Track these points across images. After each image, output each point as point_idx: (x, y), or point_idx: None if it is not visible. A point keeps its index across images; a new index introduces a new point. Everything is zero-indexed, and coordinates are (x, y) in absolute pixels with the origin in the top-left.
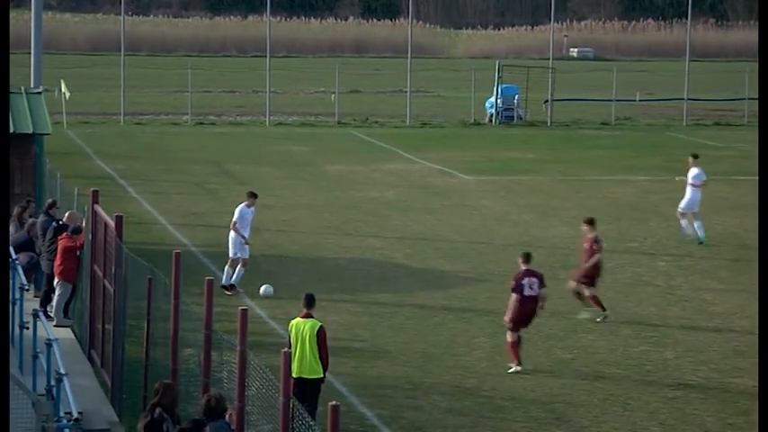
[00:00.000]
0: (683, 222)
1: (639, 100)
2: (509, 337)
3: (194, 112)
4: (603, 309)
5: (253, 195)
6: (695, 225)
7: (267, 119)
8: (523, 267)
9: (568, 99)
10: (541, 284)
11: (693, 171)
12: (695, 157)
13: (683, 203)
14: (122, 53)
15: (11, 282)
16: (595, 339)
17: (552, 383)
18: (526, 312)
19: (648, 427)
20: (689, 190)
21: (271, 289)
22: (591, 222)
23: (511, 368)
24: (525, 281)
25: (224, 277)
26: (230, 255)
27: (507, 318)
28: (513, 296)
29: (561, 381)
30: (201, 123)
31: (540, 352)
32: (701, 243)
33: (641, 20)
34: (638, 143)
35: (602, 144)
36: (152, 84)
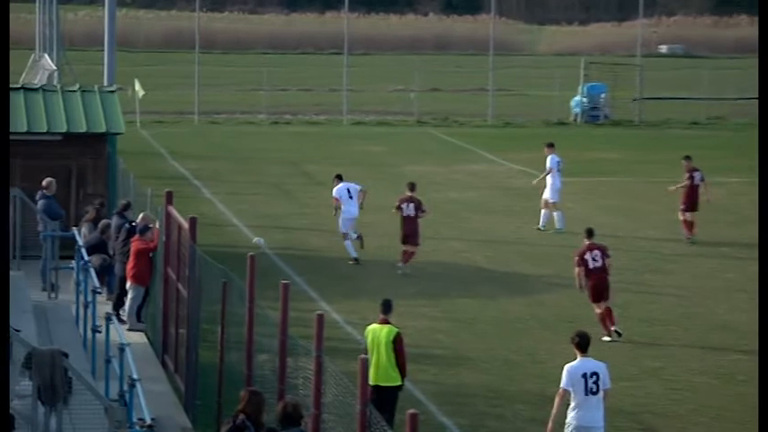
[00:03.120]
0: (556, 214)
1: (732, 98)
2: (596, 308)
3: (270, 111)
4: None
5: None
6: (555, 214)
7: (344, 118)
8: (586, 242)
9: (657, 98)
10: (605, 255)
11: (554, 159)
12: (551, 146)
13: (554, 194)
14: (197, 51)
15: (84, 285)
16: (685, 347)
17: (639, 393)
18: (595, 285)
19: None
20: (552, 179)
21: (262, 240)
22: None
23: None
24: (588, 255)
25: None
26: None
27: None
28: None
29: (648, 390)
30: (277, 122)
31: (626, 360)
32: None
33: (733, 15)
34: (729, 143)
35: (693, 144)
36: (227, 82)
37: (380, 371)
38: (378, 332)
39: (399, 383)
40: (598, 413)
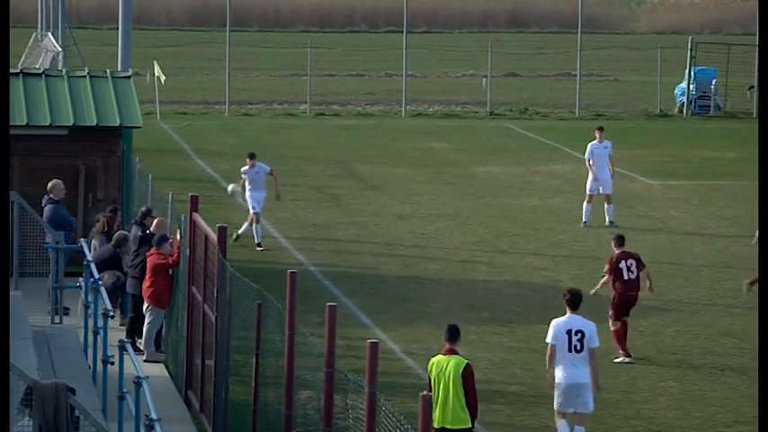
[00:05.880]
0: (588, 207)
1: None
2: (612, 325)
3: (314, 101)
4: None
5: None
6: (587, 206)
7: (403, 108)
8: (617, 251)
9: None
10: (640, 265)
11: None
12: (601, 129)
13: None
14: (228, 29)
15: (93, 307)
16: None
17: None
18: (628, 299)
19: None
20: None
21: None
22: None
23: (617, 359)
24: (623, 264)
25: None
26: None
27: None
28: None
29: None
30: (323, 114)
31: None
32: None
33: None
34: None
35: None
36: (263, 66)
37: (447, 411)
38: (443, 364)
39: (468, 426)
40: (582, 369)
